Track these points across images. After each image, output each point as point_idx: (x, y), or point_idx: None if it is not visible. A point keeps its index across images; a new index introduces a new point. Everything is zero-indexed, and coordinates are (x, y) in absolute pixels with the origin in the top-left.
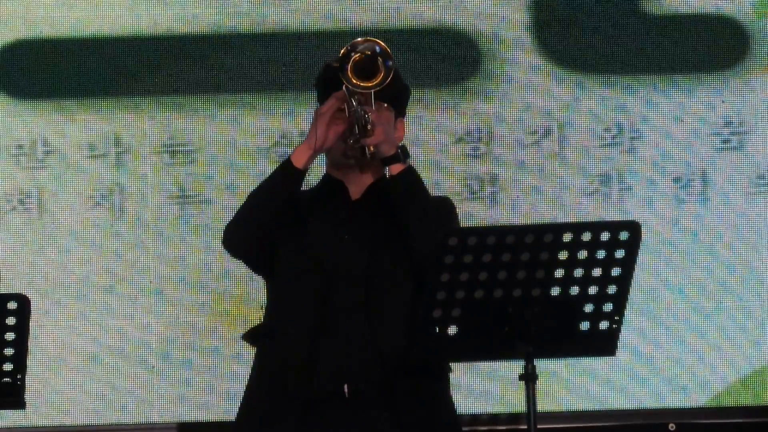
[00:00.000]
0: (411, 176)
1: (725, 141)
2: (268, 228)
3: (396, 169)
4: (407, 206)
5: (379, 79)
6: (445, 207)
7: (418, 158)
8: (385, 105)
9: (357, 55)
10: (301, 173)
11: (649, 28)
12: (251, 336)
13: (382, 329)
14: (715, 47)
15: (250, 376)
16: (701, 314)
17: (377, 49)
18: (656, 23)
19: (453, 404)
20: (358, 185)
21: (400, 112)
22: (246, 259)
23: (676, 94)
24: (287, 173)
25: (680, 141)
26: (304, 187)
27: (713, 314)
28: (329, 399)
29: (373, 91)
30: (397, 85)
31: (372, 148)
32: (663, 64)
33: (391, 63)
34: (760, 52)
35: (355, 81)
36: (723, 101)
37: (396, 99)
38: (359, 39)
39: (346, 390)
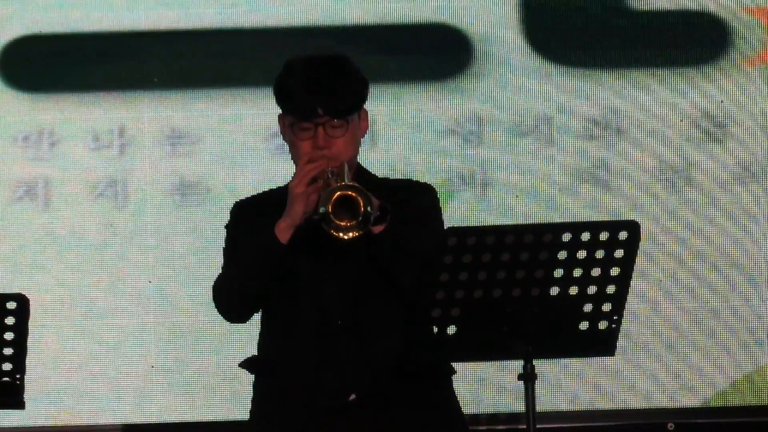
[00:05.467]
0: (392, 234)
1: (710, 133)
2: (257, 298)
3: (377, 229)
4: (392, 263)
5: (359, 218)
6: (428, 207)
7: (410, 152)
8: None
9: (336, 195)
10: (286, 247)
11: (635, 24)
12: (249, 365)
13: (377, 344)
14: (700, 42)
15: (253, 401)
16: (699, 313)
17: (351, 189)
18: (642, 19)
19: (458, 406)
20: None
21: (362, 105)
22: (239, 322)
23: (662, 88)
24: (273, 252)
25: (666, 133)
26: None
27: (711, 313)
28: (334, 408)
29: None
30: (356, 88)
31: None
32: (649, 58)
33: (370, 207)
34: (742, 47)
35: (338, 222)
36: (707, 94)
37: (358, 98)
38: (335, 186)
39: (352, 398)
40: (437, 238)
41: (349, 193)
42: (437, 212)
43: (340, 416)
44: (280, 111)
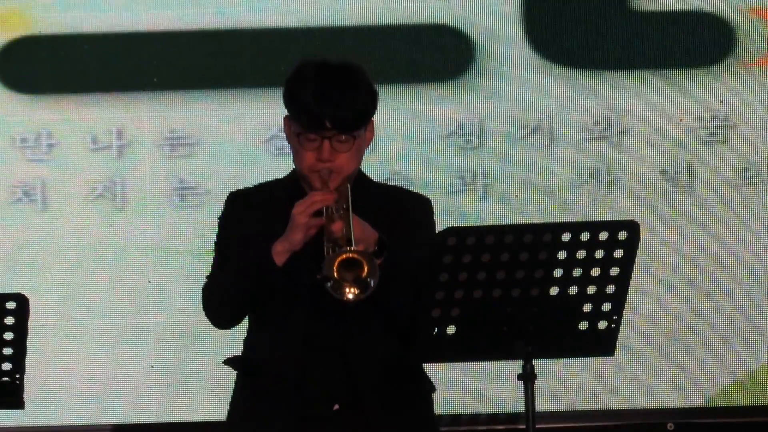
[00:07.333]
0: (388, 266)
1: (711, 134)
2: (246, 310)
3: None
4: (386, 293)
5: (362, 284)
6: (421, 219)
7: (411, 152)
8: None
9: (342, 257)
10: (281, 269)
11: (638, 24)
12: (234, 363)
13: (361, 355)
14: (702, 43)
15: (233, 399)
16: (699, 313)
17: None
18: (644, 19)
19: (436, 421)
20: None
21: (370, 119)
22: (226, 328)
23: (664, 89)
24: (268, 273)
25: (667, 134)
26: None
27: (711, 313)
28: (317, 417)
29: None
30: (366, 102)
31: None
32: (651, 60)
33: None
34: (745, 48)
35: (339, 274)
36: (709, 95)
37: (367, 113)
38: (339, 252)
39: (335, 408)
40: (427, 253)
41: (353, 256)
42: (431, 226)
43: (323, 425)
44: (283, 112)
